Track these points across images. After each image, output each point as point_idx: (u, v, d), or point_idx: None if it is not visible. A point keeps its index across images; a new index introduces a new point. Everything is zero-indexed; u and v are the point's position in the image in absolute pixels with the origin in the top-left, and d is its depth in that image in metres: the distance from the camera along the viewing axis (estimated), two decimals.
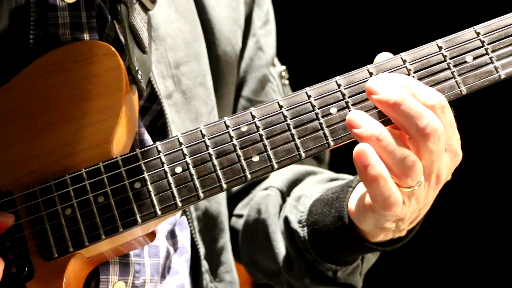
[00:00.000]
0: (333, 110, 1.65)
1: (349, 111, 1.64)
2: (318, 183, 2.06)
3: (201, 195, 1.63)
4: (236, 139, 1.64)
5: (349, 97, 1.65)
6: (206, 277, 1.97)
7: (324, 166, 2.23)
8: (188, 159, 1.64)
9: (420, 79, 1.64)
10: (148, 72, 1.81)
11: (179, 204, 1.63)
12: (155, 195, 1.63)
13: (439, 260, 3.70)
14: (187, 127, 1.94)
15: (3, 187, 1.66)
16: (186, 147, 1.65)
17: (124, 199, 1.63)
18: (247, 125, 1.65)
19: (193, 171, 1.64)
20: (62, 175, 1.65)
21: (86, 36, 1.76)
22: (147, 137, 1.85)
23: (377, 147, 1.58)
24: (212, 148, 1.64)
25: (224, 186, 1.63)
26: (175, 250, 1.90)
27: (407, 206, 1.63)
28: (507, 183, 3.56)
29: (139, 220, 1.62)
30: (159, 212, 1.63)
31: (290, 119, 1.65)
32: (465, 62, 1.66)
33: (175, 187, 1.63)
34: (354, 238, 1.81)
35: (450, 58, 1.66)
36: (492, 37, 1.66)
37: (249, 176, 1.63)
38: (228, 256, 2.04)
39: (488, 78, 1.65)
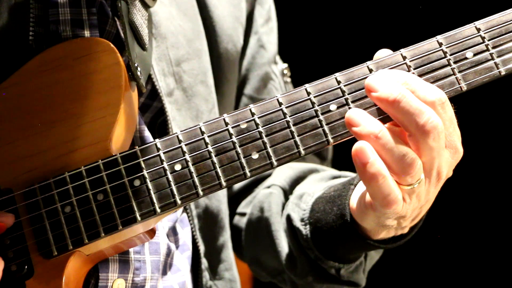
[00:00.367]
0: (333, 107, 1.64)
1: (349, 108, 1.63)
2: (320, 181, 2.05)
3: (201, 192, 1.62)
4: (235, 137, 1.64)
5: (348, 94, 1.64)
6: (206, 274, 1.97)
7: (327, 164, 2.22)
8: (187, 157, 1.64)
9: (420, 75, 1.64)
10: (148, 69, 1.80)
11: (179, 201, 1.63)
12: (154, 193, 1.63)
13: (439, 258, 3.70)
14: (187, 124, 1.94)
15: (3, 184, 1.66)
16: (186, 145, 1.64)
17: (124, 197, 1.63)
18: (247, 122, 1.64)
19: (192, 168, 1.63)
20: (62, 173, 1.65)
21: (87, 33, 1.76)
22: (147, 134, 1.85)
23: (376, 145, 1.58)
24: (211, 146, 1.64)
25: (224, 183, 1.63)
26: (177, 247, 1.90)
27: (408, 203, 1.63)
28: (508, 180, 3.56)
29: (139, 218, 1.62)
30: (158, 210, 1.62)
31: (290, 116, 1.64)
32: (466, 58, 1.65)
33: (175, 184, 1.63)
34: (356, 235, 1.80)
35: (451, 55, 1.65)
36: (493, 33, 1.66)
37: (248, 174, 1.63)
38: (228, 254, 2.04)
39: (489, 74, 1.64)
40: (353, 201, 1.77)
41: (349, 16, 3.59)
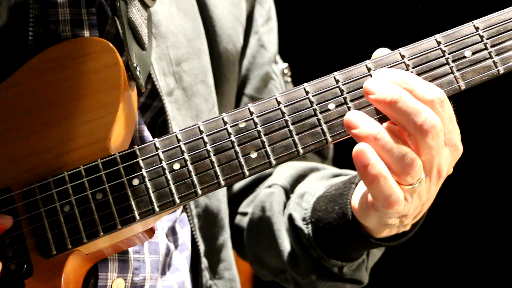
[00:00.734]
0: (331, 106, 1.64)
1: (347, 106, 1.64)
2: (321, 180, 2.06)
3: (199, 191, 1.63)
4: (234, 136, 1.64)
5: (347, 93, 1.64)
6: (206, 274, 1.97)
7: (328, 163, 2.22)
8: (186, 156, 1.64)
9: (418, 74, 1.64)
10: (147, 68, 1.80)
11: (177, 200, 1.63)
12: (153, 192, 1.63)
13: (440, 257, 3.69)
14: (187, 124, 1.94)
15: (2, 184, 1.66)
16: (184, 144, 1.64)
17: (122, 196, 1.63)
18: (245, 121, 1.65)
19: (191, 167, 1.63)
20: (61, 172, 1.65)
21: (86, 33, 1.76)
22: (147, 134, 1.85)
23: (376, 146, 1.58)
24: (210, 145, 1.64)
25: (222, 182, 1.63)
26: (176, 247, 1.90)
27: (410, 202, 1.63)
28: (508, 177, 3.56)
29: (137, 217, 1.62)
30: (157, 209, 1.63)
31: (288, 115, 1.64)
32: (464, 57, 1.65)
33: (173, 183, 1.63)
34: (358, 234, 1.80)
35: (449, 53, 1.65)
36: (491, 31, 1.65)
37: (247, 173, 1.63)
38: (228, 253, 2.04)
39: (487, 73, 1.64)
40: (355, 201, 1.77)
41: (348, 15, 3.59)
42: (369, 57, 1.66)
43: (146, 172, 1.64)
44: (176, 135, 1.65)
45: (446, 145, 1.61)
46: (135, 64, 1.72)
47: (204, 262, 1.97)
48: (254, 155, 1.63)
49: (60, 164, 1.66)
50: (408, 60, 1.65)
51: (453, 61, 1.65)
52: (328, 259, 1.93)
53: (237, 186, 2.17)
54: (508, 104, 3.44)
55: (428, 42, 1.66)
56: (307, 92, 1.65)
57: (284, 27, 2.39)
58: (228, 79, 2.11)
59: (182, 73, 1.98)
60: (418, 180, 1.60)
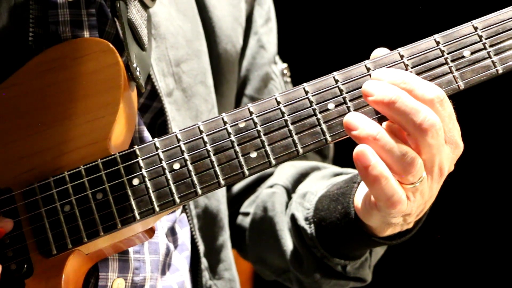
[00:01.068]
0: (331, 105, 1.65)
1: (347, 106, 1.64)
2: (323, 179, 2.06)
3: (199, 191, 1.63)
4: (234, 136, 1.64)
5: (346, 93, 1.65)
6: (206, 274, 1.97)
7: (329, 162, 2.23)
8: (186, 156, 1.64)
9: (417, 74, 1.64)
10: (147, 69, 1.81)
11: (177, 200, 1.63)
12: (153, 192, 1.63)
13: (441, 255, 3.70)
14: (187, 124, 1.93)
15: (2, 184, 1.66)
16: (184, 144, 1.65)
17: (123, 196, 1.63)
18: (245, 121, 1.65)
19: (191, 167, 1.64)
20: (61, 172, 1.65)
21: (86, 34, 1.76)
22: (146, 134, 1.85)
23: (376, 147, 1.59)
24: (210, 145, 1.64)
25: (222, 182, 1.63)
26: (175, 247, 1.90)
27: (412, 201, 1.63)
28: (508, 175, 3.56)
29: (138, 217, 1.63)
30: (157, 209, 1.63)
31: (288, 115, 1.65)
32: (463, 57, 1.65)
33: (173, 183, 1.63)
34: (361, 233, 1.81)
35: (448, 53, 1.65)
36: (490, 31, 1.66)
37: (247, 172, 1.63)
38: (227, 253, 2.04)
39: (486, 72, 1.65)
40: (358, 200, 1.77)
41: (347, 15, 3.59)
42: (368, 57, 1.67)
43: (146, 171, 1.64)
44: (176, 135, 1.65)
45: (447, 143, 1.62)
46: (135, 65, 1.73)
47: (204, 262, 1.97)
48: (253, 154, 1.64)
49: (60, 164, 1.66)
50: (407, 60, 1.65)
51: (452, 60, 1.65)
52: (332, 258, 1.93)
53: (239, 186, 2.17)
54: (507, 103, 3.45)
55: (427, 42, 1.66)
56: (306, 92, 1.65)
57: (284, 28, 2.39)
58: (228, 80, 2.11)
59: (181, 73, 1.98)
60: (419, 179, 1.61)
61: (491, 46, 1.65)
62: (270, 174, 2.16)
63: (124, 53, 1.73)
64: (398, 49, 1.66)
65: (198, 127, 1.65)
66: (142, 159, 1.65)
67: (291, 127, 1.64)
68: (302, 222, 1.96)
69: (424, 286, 3.79)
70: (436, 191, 1.67)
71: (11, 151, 1.68)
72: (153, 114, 1.93)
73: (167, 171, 1.64)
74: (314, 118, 1.64)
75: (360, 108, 1.64)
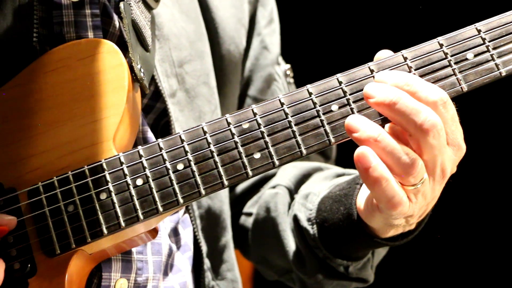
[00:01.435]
0: (334, 107, 1.65)
1: (350, 108, 1.64)
2: (325, 179, 2.06)
3: (203, 191, 1.63)
4: (237, 136, 1.65)
5: (350, 95, 1.65)
6: (208, 275, 1.98)
7: (331, 163, 2.23)
8: (189, 156, 1.64)
9: (421, 76, 1.64)
10: (151, 70, 1.81)
11: (181, 201, 1.63)
12: (156, 192, 1.64)
13: (443, 255, 3.70)
14: (190, 125, 1.94)
15: (7, 184, 1.67)
16: (188, 144, 1.65)
17: (126, 196, 1.64)
18: (249, 122, 1.65)
19: (194, 168, 1.64)
20: (65, 172, 1.66)
21: (90, 35, 1.77)
22: (150, 135, 1.86)
23: (376, 148, 1.59)
24: (213, 145, 1.65)
25: (226, 183, 1.63)
26: (178, 247, 1.91)
27: (414, 203, 1.64)
28: (510, 177, 3.57)
29: (141, 217, 1.63)
30: (161, 209, 1.63)
31: (292, 116, 1.65)
32: (466, 59, 1.65)
33: (177, 184, 1.64)
34: (364, 235, 1.81)
35: (451, 56, 1.66)
36: (493, 34, 1.66)
37: (250, 173, 1.64)
38: (230, 254, 2.04)
39: (489, 75, 1.65)
40: (360, 202, 1.77)
41: (351, 17, 3.60)
42: (372, 59, 1.67)
43: (149, 172, 1.64)
44: (180, 136, 1.66)
45: (449, 145, 1.62)
46: (139, 66, 1.73)
47: (207, 263, 1.97)
48: (257, 155, 1.64)
49: (65, 164, 1.67)
50: (411, 62, 1.66)
51: (455, 63, 1.65)
52: (334, 258, 1.94)
53: (242, 186, 2.18)
54: (509, 105, 3.46)
55: (431, 45, 1.66)
56: (310, 93, 1.66)
57: (287, 29, 2.40)
58: (231, 81, 2.12)
59: (184, 74, 1.99)
60: (421, 180, 1.61)
61: (494, 48, 1.66)
62: (273, 175, 2.16)
63: (128, 54, 1.73)
64: (401, 51, 1.67)
65: (202, 128, 1.66)
66: (146, 160, 1.65)
67: (294, 128, 1.64)
68: (305, 223, 1.97)
69: (426, 286, 3.79)
70: (438, 192, 1.68)
71: (16, 151, 1.68)
72: (157, 115, 1.93)
73: (170, 172, 1.64)
74: (317, 119, 1.65)
75: (364, 110, 1.64)
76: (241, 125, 1.65)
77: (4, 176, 1.67)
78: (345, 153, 2.03)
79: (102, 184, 1.64)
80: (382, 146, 1.59)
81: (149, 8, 1.87)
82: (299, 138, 1.64)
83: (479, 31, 1.67)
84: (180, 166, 1.64)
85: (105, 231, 1.63)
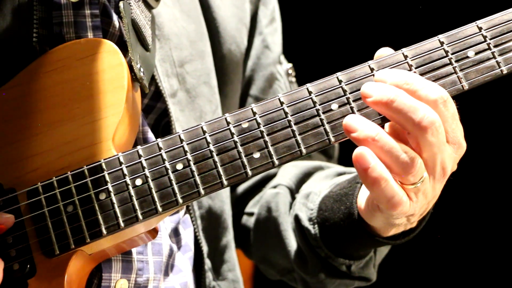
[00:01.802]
0: (334, 106, 1.64)
1: (350, 107, 1.64)
2: (326, 178, 2.06)
3: (202, 191, 1.63)
4: (237, 136, 1.64)
5: (350, 93, 1.64)
6: (209, 275, 1.97)
7: (334, 162, 2.23)
8: (189, 156, 1.64)
9: (421, 74, 1.64)
10: (151, 70, 1.81)
11: (180, 200, 1.63)
12: (156, 192, 1.63)
13: (445, 254, 3.69)
14: (191, 125, 1.91)
15: (6, 184, 1.67)
16: (187, 144, 1.65)
17: (125, 196, 1.63)
18: (248, 121, 1.65)
19: (194, 167, 1.63)
20: (64, 172, 1.65)
21: (90, 35, 1.77)
22: (150, 135, 1.86)
23: (375, 148, 1.58)
24: (213, 145, 1.64)
25: (225, 182, 1.63)
26: (179, 248, 1.90)
27: (415, 202, 1.63)
28: (509, 175, 3.56)
29: (140, 217, 1.63)
30: (160, 209, 1.63)
31: (291, 116, 1.64)
32: (467, 57, 1.64)
33: (176, 183, 1.63)
34: (365, 234, 1.81)
35: (452, 53, 1.65)
36: (494, 32, 1.65)
37: (250, 173, 1.63)
38: (231, 254, 2.04)
39: (490, 73, 1.64)
40: (361, 201, 1.77)
41: (352, 15, 3.59)
42: (372, 57, 1.66)
43: (149, 172, 1.64)
44: (179, 135, 1.65)
45: (450, 143, 1.61)
46: (138, 65, 1.73)
47: (208, 263, 1.97)
48: (257, 155, 1.64)
49: (64, 164, 1.67)
50: (411, 60, 1.65)
51: (456, 61, 1.64)
52: (336, 258, 1.93)
53: (243, 186, 2.18)
54: (510, 103, 3.45)
55: (431, 42, 1.65)
56: (310, 92, 1.65)
57: (288, 28, 2.39)
58: (232, 80, 2.11)
59: (185, 74, 1.98)
60: (420, 179, 1.60)
61: (495, 46, 1.64)
62: (274, 175, 2.16)
63: (127, 54, 1.73)
64: (402, 49, 1.66)
65: (201, 128, 1.65)
66: (145, 159, 1.64)
67: (294, 127, 1.64)
68: (306, 223, 1.96)
69: (428, 285, 3.78)
70: (439, 190, 1.67)
71: (15, 151, 1.68)
72: (157, 115, 1.93)
73: (170, 171, 1.64)
74: (317, 118, 1.64)
75: (364, 109, 1.63)
76: (240, 124, 1.64)
77: (4, 176, 1.67)
78: (347, 152, 2.02)
79: (101, 184, 1.64)
80: (380, 145, 1.58)
81: (149, 7, 1.86)
82: (298, 138, 1.63)
83: (480, 28, 1.66)
84: (179, 166, 1.64)
85: (104, 231, 1.63)
